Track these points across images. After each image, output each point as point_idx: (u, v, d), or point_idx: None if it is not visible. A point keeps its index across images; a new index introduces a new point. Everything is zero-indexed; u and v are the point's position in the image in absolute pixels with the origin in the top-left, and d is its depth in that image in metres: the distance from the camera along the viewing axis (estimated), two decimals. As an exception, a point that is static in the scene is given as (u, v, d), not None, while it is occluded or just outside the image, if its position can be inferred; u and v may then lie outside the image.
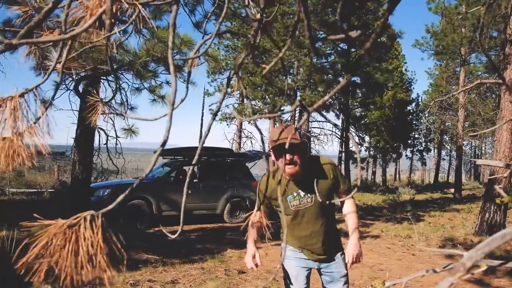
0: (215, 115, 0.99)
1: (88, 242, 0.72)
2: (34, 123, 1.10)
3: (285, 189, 2.10)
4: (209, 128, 0.99)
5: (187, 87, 1.29)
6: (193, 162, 0.94)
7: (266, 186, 2.11)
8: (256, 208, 2.18)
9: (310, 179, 2.03)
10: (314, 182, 1.98)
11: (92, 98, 1.55)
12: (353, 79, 11.23)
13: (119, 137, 7.85)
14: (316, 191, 2.03)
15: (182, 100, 1.03)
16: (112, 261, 0.75)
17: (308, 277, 2.25)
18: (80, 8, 0.99)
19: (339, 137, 17.92)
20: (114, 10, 0.86)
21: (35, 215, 0.75)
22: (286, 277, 2.23)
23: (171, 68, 0.82)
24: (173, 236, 0.93)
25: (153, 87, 7.53)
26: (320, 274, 2.27)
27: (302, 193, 2.10)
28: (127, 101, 7.81)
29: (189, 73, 1.56)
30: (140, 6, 1.04)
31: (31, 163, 1.07)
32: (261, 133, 1.25)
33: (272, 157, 2.13)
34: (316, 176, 2.07)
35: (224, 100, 1.12)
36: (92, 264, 0.72)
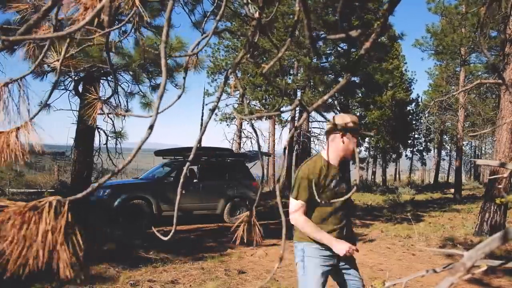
0: (212, 111, 0.99)
1: (49, 228, 0.66)
2: (31, 119, 1.07)
3: (329, 175, 2.12)
4: (206, 124, 0.98)
5: (184, 84, 1.26)
6: (189, 158, 0.94)
7: (317, 173, 2.12)
8: (300, 202, 2.10)
9: (344, 168, 2.22)
10: (347, 171, 2.17)
11: (90, 95, 1.56)
12: (353, 79, 11.22)
13: (118, 137, 7.85)
14: (356, 179, 2.10)
15: (179, 97, 1.03)
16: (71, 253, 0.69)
17: (327, 276, 2.23)
18: (76, 3, 0.98)
19: (339, 137, 17.85)
20: (112, 7, 0.85)
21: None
22: (309, 277, 2.14)
23: (162, 61, 0.80)
24: (166, 238, 0.92)
25: (146, 91, 7.59)
26: (337, 271, 2.24)
27: (340, 179, 2.17)
28: (126, 101, 7.82)
29: (186, 70, 1.55)
30: (137, 2, 1.04)
31: (24, 161, 1.04)
32: (256, 134, 1.24)
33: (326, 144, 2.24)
34: (348, 166, 2.25)
35: (221, 97, 1.11)
36: (49, 254, 0.67)
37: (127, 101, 7.74)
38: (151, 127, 0.77)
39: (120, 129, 7.77)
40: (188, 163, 1.00)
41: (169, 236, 0.93)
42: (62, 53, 1.14)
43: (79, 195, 0.73)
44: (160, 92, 0.80)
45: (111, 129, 7.64)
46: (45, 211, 0.68)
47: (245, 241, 1.17)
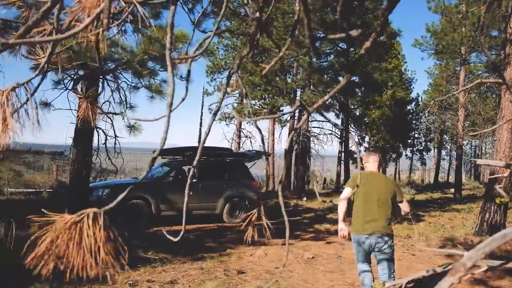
0: (215, 114, 0.99)
1: (92, 239, 0.75)
2: (12, 114, 1.08)
3: None
4: (209, 128, 0.99)
5: (187, 88, 1.25)
6: (194, 163, 0.94)
7: None
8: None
9: None
10: None
11: (87, 95, 1.53)
12: (352, 78, 11.18)
13: (117, 136, 7.82)
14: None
15: (183, 99, 1.03)
16: (115, 257, 0.78)
17: None
18: (78, 7, 0.99)
19: (339, 137, 17.86)
20: (111, 10, 0.85)
21: (43, 210, 0.77)
22: None
23: (169, 68, 0.82)
24: (176, 239, 0.95)
25: (150, 85, 7.53)
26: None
27: None
28: (126, 100, 7.78)
29: (188, 72, 1.53)
30: (137, 4, 1.04)
31: None
32: (261, 133, 1.22)
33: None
34: None
35: (224, 99, 1.11)
36: (95, 260, 0.75)
37: (126, 99, 7.71)
38: (160, 153, 0.82)
39: (134, 123, 7.69)
40: (193, 169, 1.01)
41: (178, 237, 0.95)
42: (47, 52, 1.13)
43: (111, 205, 0.81)
44: (169, 101, 0.81)
45: (123, 125, 7.58)
46: (85, 223, 0.77)
47: (255, 239, 1.22)
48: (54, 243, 0.74)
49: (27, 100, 1.20)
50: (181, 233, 0.94)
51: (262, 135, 1.23)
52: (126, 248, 0.79)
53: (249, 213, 1.36)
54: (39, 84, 1.23)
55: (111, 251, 0.77)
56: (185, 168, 8.92)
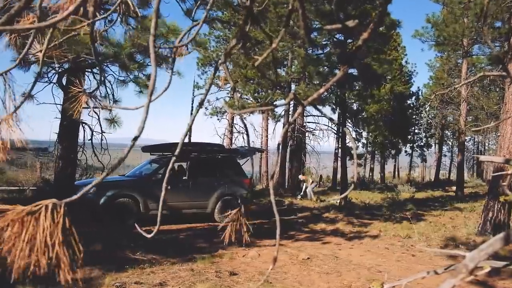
0: (200, 104, 0.96)
1: (47, 232, 0.69)
2: (13, 112, 1.07)
3: None
4: (193, 119, 0.97)
5: (171, 74, 1.21)
6: (176, 153, 0.93)
7: None
8: None
9: None
10: None
11: (75, 88, 1.53)
12: (350, 71, 10.94)
13: (104, 132, 7.61)
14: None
15: (166, 89, 1.01)
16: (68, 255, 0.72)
17: None
18: None
19: (335, 132, 17.60)
20: None
21: (-7, 199, 0.68)
22: None
23: (152, 55, 0.81)
24: (149, 236, 0.93)
25: (138, 79, 7.32)
26: None
27: None
28: (113, 94, 7.57)
29: (174, 60, 1.43)
30: None
31: (5, 158, 1.03)
32: (247, 130, 1.07)
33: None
34: None
35: (209, 89, 1.07)
36: (47, 257, 0.69)
37: (113, 94, 7.49)
38: (136, 140, 0.83)
39: (113, 116, 7.50)
40: (173, 158, 0.96)
41: (152, 234, 0.94)
42: (45, 43, 1.13)
43: (75, 197, 0.76)
44: (150, 89, 0.79)
45: (105, 117, 7.41)
46: (42, 215, 0.71)
47: (233, 240, 1.18)
48: (0, 234, 0.68)
49: (27, 96, 1.24)
50: (156, 229, 0.91)
51: (248, 133, 1.01)
52: (82, 247, 0.72)
53: (229, 213, 1.33)
54: (35, 82, 1.27)
55: (66, 248, 0.70)
56: (176, 165, 8.73)
